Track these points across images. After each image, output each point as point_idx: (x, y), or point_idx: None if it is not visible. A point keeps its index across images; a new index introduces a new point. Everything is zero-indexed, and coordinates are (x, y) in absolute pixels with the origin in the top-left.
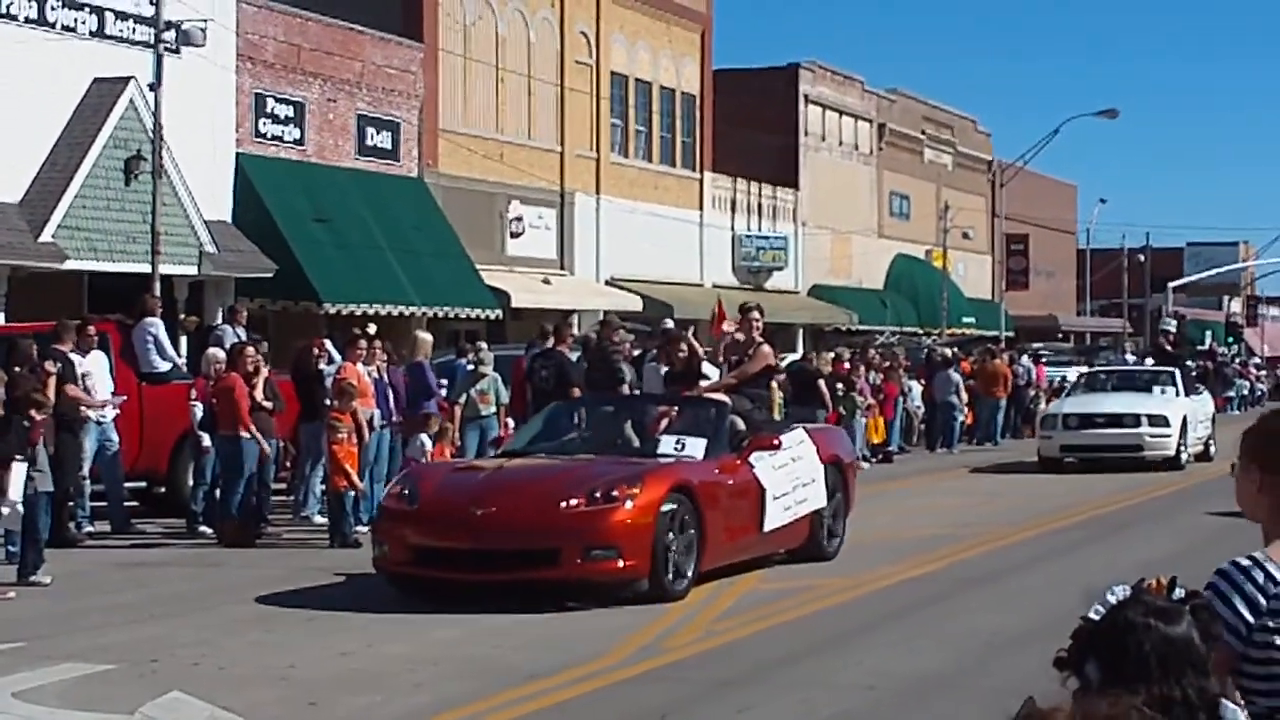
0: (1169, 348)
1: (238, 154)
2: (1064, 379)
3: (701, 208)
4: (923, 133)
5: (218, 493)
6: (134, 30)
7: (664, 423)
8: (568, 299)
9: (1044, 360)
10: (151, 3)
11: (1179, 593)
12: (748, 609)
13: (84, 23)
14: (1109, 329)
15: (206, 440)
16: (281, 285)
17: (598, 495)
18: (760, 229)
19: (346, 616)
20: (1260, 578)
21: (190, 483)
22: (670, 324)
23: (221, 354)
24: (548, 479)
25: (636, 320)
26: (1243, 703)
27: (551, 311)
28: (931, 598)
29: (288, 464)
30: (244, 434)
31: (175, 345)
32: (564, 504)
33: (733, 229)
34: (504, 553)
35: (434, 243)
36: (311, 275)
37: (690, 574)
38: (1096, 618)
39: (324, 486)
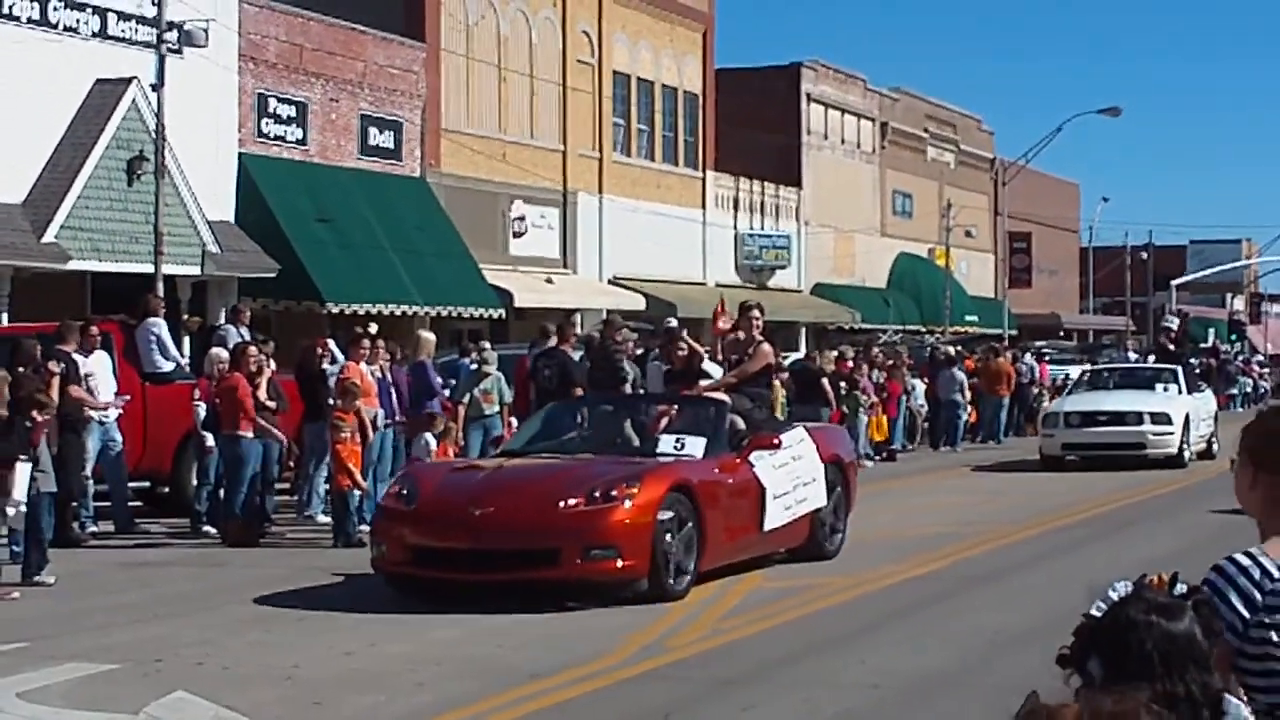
0: (1171, 346)
1: (240, 154)
2: (1067, 377)
3: (704, 207)
4: (925, 131)
5: (221, 493)
6: (136, 31)
7: (663, 422)
8: (570, 298)
9: (1047, 358)
10: (154, 3)
11: (1181, 589)
12: (750, 608)
13: (86, 23)
14: (1112, 327)
15: (210, 440)
16: (284, 285)
17: (597, 495)
18: (763, 228)
19: (349, 616)
20: (1256, 574)
21: (194, 483)
22: (673, 323)
23: (225, 354)
24: (547, 479)
25: (639, 319)
26: (1246, 698)
27: (554, 311)
28: (935, 596)
29: (291, 464)
30: (247, 434)
31: (178, 345)
32: (563, 504)
33: (735, 228)
34: (503, 553)
35: (437, 242)
36: (314, 275)
37: (690, 573)
38: (1099, 615)
39: (328, 486)
